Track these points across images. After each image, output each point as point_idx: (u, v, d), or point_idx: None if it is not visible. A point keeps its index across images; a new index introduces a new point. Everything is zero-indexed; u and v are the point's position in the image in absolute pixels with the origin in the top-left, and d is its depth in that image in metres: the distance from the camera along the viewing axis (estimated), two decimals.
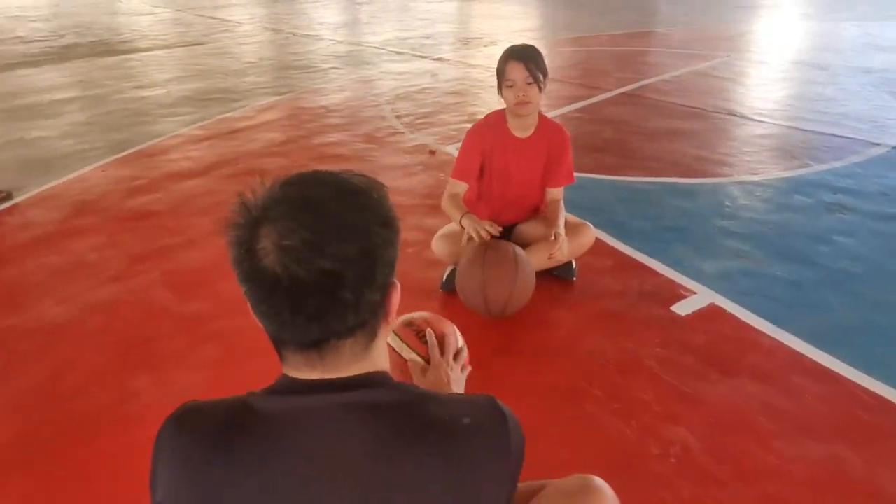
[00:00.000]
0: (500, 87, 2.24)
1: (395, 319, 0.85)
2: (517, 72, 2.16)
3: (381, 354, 0.79)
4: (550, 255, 2.19)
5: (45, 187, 3.57)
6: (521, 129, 2.33)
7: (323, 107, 5.07)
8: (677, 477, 1.56)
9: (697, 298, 2.31)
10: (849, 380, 1.88)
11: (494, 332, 2.16)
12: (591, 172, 3.54)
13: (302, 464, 0.71)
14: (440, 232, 2.41)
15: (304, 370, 0.74)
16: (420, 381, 1.35)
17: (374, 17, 11.16)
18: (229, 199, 2.16)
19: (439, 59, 6.85)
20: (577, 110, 4.80)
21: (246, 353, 1.99)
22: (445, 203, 2.31)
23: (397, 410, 0.73)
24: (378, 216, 0.74)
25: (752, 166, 3.60)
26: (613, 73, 6.10)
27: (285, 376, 0.76)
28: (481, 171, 2.38)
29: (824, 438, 1.67)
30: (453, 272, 2.37)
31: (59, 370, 2.01)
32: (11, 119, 5.02)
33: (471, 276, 2.11)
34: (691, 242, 2.73)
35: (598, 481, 1.21)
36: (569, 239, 2.26)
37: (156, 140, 4.36)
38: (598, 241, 2.72)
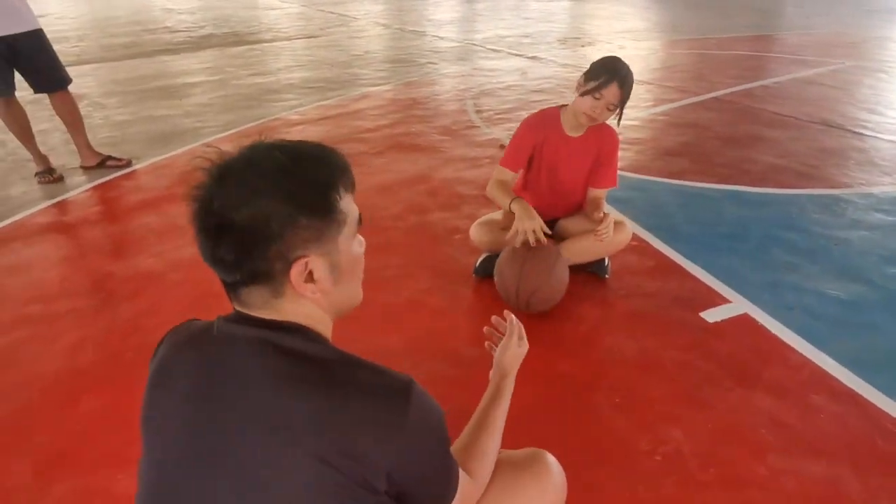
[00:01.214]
0: (582, 89, 2.16)
1: (333, 291, 0.88)
2: (611, 95, 2.11)
3: (299, 310, 0.85)
4: (596, 231, 2.18)
5: (159, 158, 4.00)
6: (575, 129, 2.31)
7: (411, 98, 5.23)
8: (659, 474, 1.55)
9: (731, 307, 2.22)
10: (874, 405, 1.75)
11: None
12: (657, 175, 3.44)
13: (202, 384, 0.83)
14: (478, 220, 2.47)
15: (236, 305, 0.86)
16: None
17: (480, 15, 11.24)
18: None
19: (533, 58, 6.82)
20: (662, 113, 4.64)
21: None
22: (492, 188, 2.34)
23: (300, 356, 0.81)
24: (298, 197, 0.80)
25: (833, 179, 3.34)
26: (711, 76, 5.80)
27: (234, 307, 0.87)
28: (530, 162, 2.41)
29: (828, 458, 1.58)
30: (486, 259, 2.43)
31: (145, 311, 2.29)
32: (145, 99, 5.60)
33: (510, 265, 2.15)
34: (742, 251, 2.60)
35: (548, 457, 1.25)
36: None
37: (256, 122, 4.72)
38: (643, 242, 2.68)
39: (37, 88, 3.53)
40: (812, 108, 4.66)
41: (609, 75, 2.12)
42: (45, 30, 3.53)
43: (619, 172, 3.42)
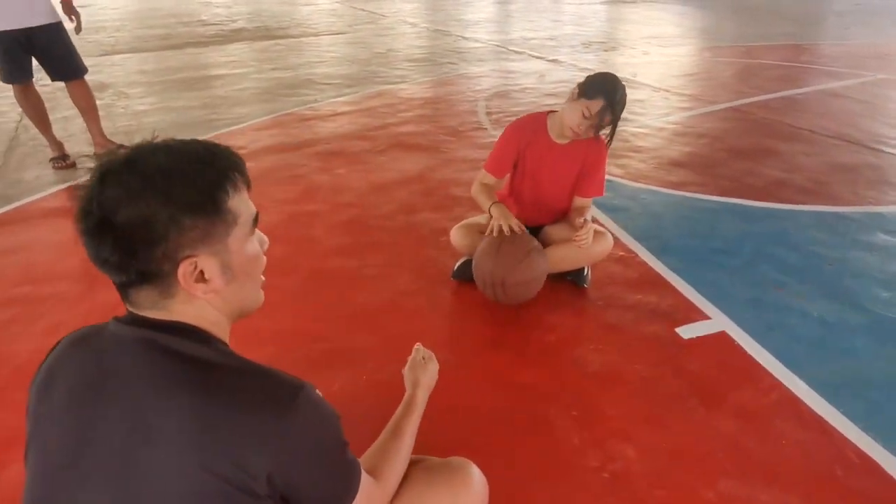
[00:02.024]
0: (571, 99, 2.13)
1: (226, 291, 0.87)
2: (600, 116, 2.07)
3: (191, 311, 0.84)
4: (575, 237, 2.14)
5: None
6: (561, 136, 2.26)
7: (424, 98, 5.22)
8: (603, 493, 1.50)
9: (709, 324, 2.15)
10: (840, 433, 1.67)
11: (488, 325, 2.17)
12: (656, 185, 3.36)
13: (86, 387, 0.82)
14: (460, 224, 2.44)
15: (128, 305, 0.85)
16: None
17: (510, 17, 11.16)
18: (305, 173, 2.44)
19: (553, 61, 6.74)
20: (673, 122, 4.53)
21: (266, 307, 2.17)
22: (475, 190, 2.32)
23: (186, 358, 0.80)
24: (178, 197, 0.78)
25: (840, 196, 3.21)
26: (731, 86, 5.64)
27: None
28: (515, 167, 2.37)
29: (781, 487, 1.51)
30: (465, 262, 2.40)
31: None
32: (167, 90, 5.71)
33: (486, 251, 2.13)
34: (731, 267, 2.52)
35: (469, 466, 1.23)
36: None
37: (269, 116, 4.76)
38: (630, 253, 2.62)
39: (53, 77, 3.62)
40: (831, 121, 4.49)
41: (599, 89, 2.07)
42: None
43: (616, 181, 3.40)
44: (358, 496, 0.94)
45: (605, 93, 2.06)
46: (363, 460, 1.13)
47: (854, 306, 2.25)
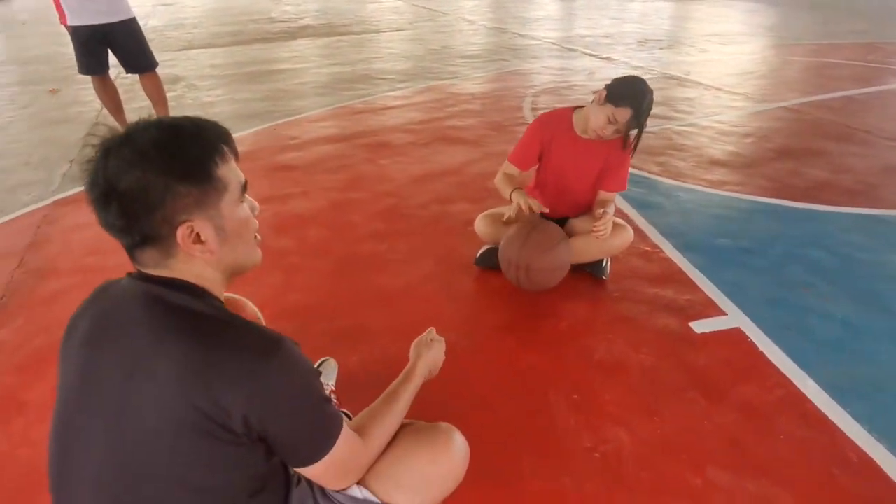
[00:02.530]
0: (598, 101, 2.13)
1: (222, 252, 0.96)
2: (622, 118, 2.07)
3: (190, 269, 0.94)
4: (593, 227, 2.17)
5: None
6: (585, 132, 2.29)
7: (471, 94, 5.28)
8: (590, 471, 1.55)
9: (724, 320, 2.13)
10: (843, 434, 1.65)
11: (502, 311, 2.23)
12: (692, 183, 3.30)
13: (101, 330, 0.95)
14: (484, 213, 2.50)
15: (135, 265, 0.97)
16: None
17: (569, 14, 11.03)
18: (351, 163, 2.61)
19: (606, 59, 6.65)
20: (720, 121, 4.41)
21: (300, 284, 2.32)
22: (498, 179, 2.38)
23: (182, 310, 0.91)
24: (171, 166, 0.88)
25: (886, 199, 3.06)
26: (788, 84, 5.42)
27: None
28: (540, 161, 2.41)
29: (770, 480, 1.51)
30: (487, 251, 2.46)
31: None
32: (233, 83, 6.00)
33: (516, 235, 2.18)
34: (757, 266, 2.47)
35: (452, 431, 1.29)
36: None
37: (324, 109, 4.95)
38: (654, 248, 2.62)
39: (127, 69, 3.91)
40: (891, 122, 4.26)
41: (628, 105, 2.05)
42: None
43: (652, 178, 3.37)
44: (338, 449, 1.02)
45: (632, 101, 2.05)
46: (355, 419, 1.22)
47: (882, 310, 2.18)
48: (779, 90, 5.23)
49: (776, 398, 1.78)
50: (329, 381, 1.80)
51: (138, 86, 4.14)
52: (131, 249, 0.93)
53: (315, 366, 1.83)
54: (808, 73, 5.88)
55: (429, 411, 1.66)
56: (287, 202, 3.20)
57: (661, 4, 11.86)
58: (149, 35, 9.21)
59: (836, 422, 1.69)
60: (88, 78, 3.87)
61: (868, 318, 2.14)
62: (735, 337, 2.05)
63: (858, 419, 1.69)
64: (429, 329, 1.49)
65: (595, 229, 2.17)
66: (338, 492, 1.13)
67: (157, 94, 4.03)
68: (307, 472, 1.03)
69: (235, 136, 3.20)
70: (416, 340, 1.45)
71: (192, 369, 0.86)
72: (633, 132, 2.17)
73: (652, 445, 1.62)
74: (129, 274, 0.98)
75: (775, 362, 1.92)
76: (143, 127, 0.91)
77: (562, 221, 2.48)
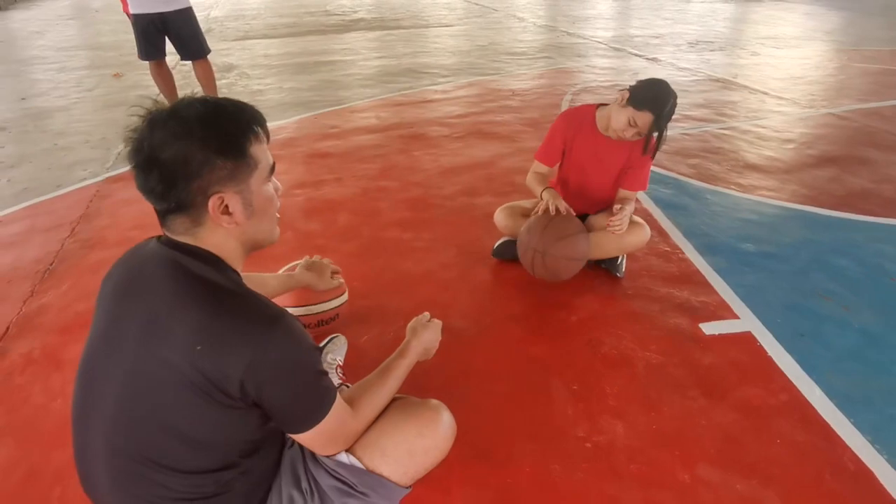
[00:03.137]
0: (620, 102, 2.13)
1: (246, 225, 1.04)
2: (642, 121, 2.07)
3: (214, 239, 1.02)
4: (609, 222, 2.18)
5: (272, 124, 4.43)
6: (607, 130, 2.29)
7: (511, 90, 5.29)
8: (580, 459, 1.57)
9: (736, 323, 2.10)
10: (844, 443, 1.61)
11: (513, 301, 2.26)
12: (724, 187, 3.24)
13: (127, 287, 1.04)
14: (504, 205, 2.53)
15: (165, 231, 1.05)
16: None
17: (622, 14, 10.83)
18: (385, 153, 2.71)
19: (653, 59, 6.52)
20: (762, 125, 4.28)
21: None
22: (529, 178, 2.41)
23: (200, 279, 0.98)
24: (211, 141, 0.95)
25: None
26: (839, 90, 5.20)
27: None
28: (563, 156, 2.42)
29: (760, 481, 1.50)
30: (505, 242, 2.50)
31: None
32: (282, 72, 6.18)
33: (537, 222, 2.20)
34: (779, 272, 2.42)
35: (440, 408, 1.33)
36: (620, 234, 2.23)
37: (366, 100, 5.05)
38: (675, 249, 2.60)
39: (182, 55, 4.09)
40: None
41: (649, 109, 2.05)
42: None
43: (682, 179, 3.33)
44: (329, 419, 1.08)
45: (653, 106, 2.05)
46: (348, 391, 1.28)
47: None
48: (829, 96, 5.03)
49: (779, 402, 1.75)
50: (338, 356, 1.87)
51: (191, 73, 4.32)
52: (164, 215, 1.01)
53: (325, 342, 1.91)
54: (863, 79, 5.63)
55: (429, 389, 1.73)
56: (320, 188, 3.30)
57: (719, 6, 11.51)
58: (209, 25, 9.60)
59: (837, 430, 1.65)
60: (148, 64, 4.07)
61: (888, 330, 2.07)
62: (745, 340, 2.02)
63: (862, 429, 1.65)
64: (423, 314, 1.53)
65: (610, 224, 2.18)
66: (326, 457, 1.20)
67: (207, 79, 4.20)
68: (298, 437, 1.10)
69: (279, 123, 3.40)
70: (412, 321, 1.50)
71: (201, 334, 0.93)
72: (655, 135, 2.16)
73: (645, 439, 1.63)
74: (159, 238, 1.05)
75: (783, 368, 1.89)
76: (189, 103, 0.98)
77: (582, 218, 2.49)
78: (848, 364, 1.91)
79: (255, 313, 0.98)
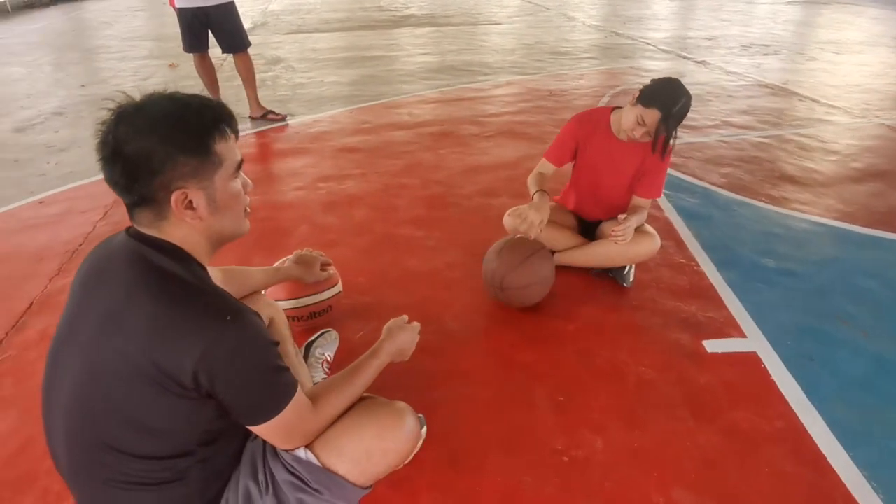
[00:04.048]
0: (631, 100, 2.08)
1: (210, 220, 1.05)
2: (650, 119, 2.00)
3: (179, 233, 1.03)
4: (612, 231, 2.12)
5: (308, 118, 4.52)
6: (622, 133, 2.23)
7: (549, 90, 5.19)
8: (552, 473, 1.52)
9: (742, 342, 2.00)
10: (838, 477, 1.51)
11: (510, 308, 2.21)
12: (754, 198, 3.08)
13: (93, 276, 1.07)
14: (513, 208, 2.48)
15: (133, 222, 1.06)
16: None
17: (677, 14, 10.46)
18: (412, 150, 2.94)
19: (701, 62, 6.27)
20: (806, 135, 4.05)
21: (333, 259, 2.43)
22: (530, 177, 2.35)
23: (161, 271, 0.99)
24: (174, 138, 0.96)
25: None
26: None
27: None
28: (576, 159, 2.36)
29: None
30: None
31: (272, 219, 2.70)
32: (327, 67, 6.26)
33: (494, 249, 2.16)
34: (798, 290, 2.28)
35: (405, 411, 1.30)
36: (627, 243, 2.16)
37: (402, 96, 5.06)
38: (690, 261, 2.50)
39: (224, 49, 4.20)
40: None
41: (657, 107, 1.98)
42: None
43: (710, 188, 3.19)
44: (285, 414, 1.08)
45: (661, 104, 1.97)
46: (314, 387, 1.28)
47: None
48: (885, 106, 4.71)
49: (773, 429, 1.65)
50: (326, 351, 1.88)
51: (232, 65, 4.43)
52: (130, 207, 1.03)
53: (316, 336, 1.92)
54: None
55: (409, 389, 1.72)
56: (343, 182, 3.33)
57: (782, 8, 10.96)
58: (265, 18, 9.83)
59: (832, 463, 1.55)
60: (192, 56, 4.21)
61: None
62: (748, 361, 1.92)
63: (860, 464, 1.54)
64: (402, 316, 1.51)
65: (613, 233, 2.11)
66: (285, 451, 1.20)
67: (247, 72, 4.31)
68: (254, 430, 1.10)
69: (314, 117, 3.46)
70: (389, 322, 1.48)
71: (155, 325, 0.95)
72: (671, 138, 2.07)
73: (624, 456, 1.57)
74: (128, 229, 1.07)
75: (784, 392, 1.78)
76: (156, 99, 1.00)
77: (594, 225, 2.42)
78: (855, 393, 1.78)
79: (212, 306, 0.99)
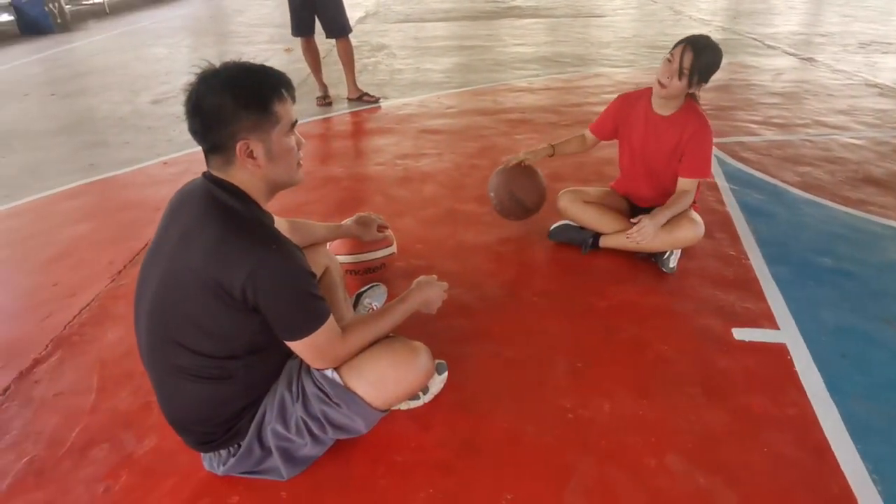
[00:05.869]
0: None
1: (267, 168, 1.30)
2: (681, 58, 2.05)
3: (242, 177, 1.25)
4: (627, 234, 2.17)
5: (400, 101, 4.77)
6: (662, 107, 2.26)
7: (636, 83, 5.07)
8: (555, 426, 1.63)
9: (773, 334, 1.97)
10: (838, 466, 1.49)
11: (549, 279, 2.32)
12: (827, 199, 2.92)
13: (176, 207, 1.32)
14: (567, 189, 2.55)
15: (208, 166, 1.31)
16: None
17: (794, 9, 9.67)
18: (488, 135, 4.12)
19: (808, 59, 5.84)
20: None
21: (397, 226, 2.64)
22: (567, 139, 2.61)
23: (225, 206, 1.23)
24: (240, 97, 1.19)
25: None
26: None
27: None
28: (619, 138, 2.45)
29: (725, 480, 1.45)
30: (562, 226, 2.54)
31: (352, 189, 3.00)
32: (424, 54, 6.50)
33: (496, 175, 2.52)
34: (847, 290, 2.18)
35: (419, 349, 1.49)
36: (666, 229, 2.19)
37: (490, 84, 5.19)
38: (740, 254, 2.47)
39: (327, 34, 4.52)
40: None
41: (684, 42, 2.07)
42: None
43: (782, 186, 3.08)
44: (317, 335, 1.30)
45: (689, 40, 2.07)
46: (350, 320, 1.48)
47: None
48: None
49: (783, 415, 1.65)
50: (375, 301, 2.08)
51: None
52: (206, 154, 1.27)
53: (366, 287, 2.13)
54: None
55: (440, 342, 1.89)
56: (420, 160, 3.53)
57: None
58: (376, 8, 10.25)
59: (837, 452, 1.53)
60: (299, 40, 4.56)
61: None
62: (775, 351, 1.90)
63: (865, 457, 1.51)
64: (432, 275, 1.68)
65: (629, 234, 2.15)
66: (316, 370, 1.41)
67: (346, 56, 4.61)
68: (291, 345, 1.33)
69: (404, 100, 3.83)
70: (420, 277, 1.66)
71: (216, 247, 1.19)
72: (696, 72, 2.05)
73: (627, 421, 1.64)
74: (204, 173, 1.32)
75: (805, 384, 1.76)
76: (231, 66, 1.23)
77: (647, 211, 2.44)
78: (883, 393, 1.72)
79: (260, 236, 1.22)
